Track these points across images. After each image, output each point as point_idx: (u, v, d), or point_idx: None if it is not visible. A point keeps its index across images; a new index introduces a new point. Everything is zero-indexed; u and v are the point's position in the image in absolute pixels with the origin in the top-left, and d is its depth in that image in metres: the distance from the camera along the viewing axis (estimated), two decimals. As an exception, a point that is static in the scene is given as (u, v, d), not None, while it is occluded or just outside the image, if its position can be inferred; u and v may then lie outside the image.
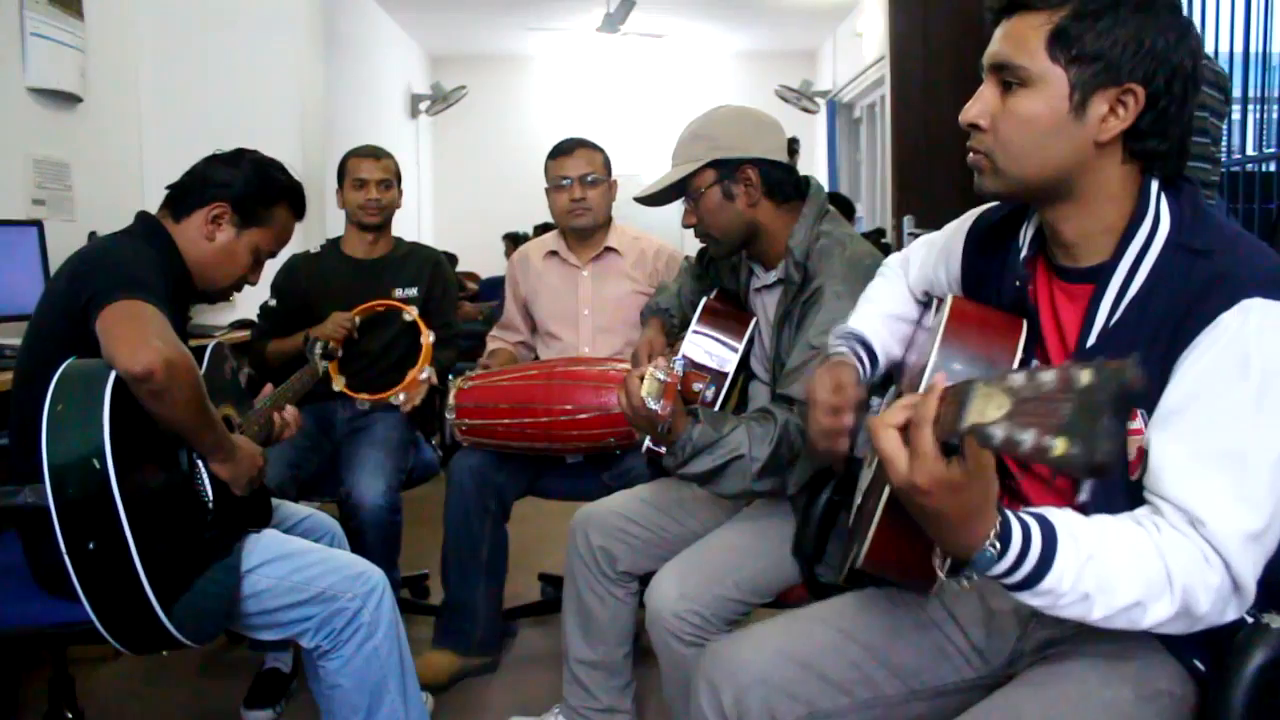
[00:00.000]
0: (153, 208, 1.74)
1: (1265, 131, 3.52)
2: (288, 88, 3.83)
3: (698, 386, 1.73)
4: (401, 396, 2.44)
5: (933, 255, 1.38)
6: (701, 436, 1.55)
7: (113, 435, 1.32)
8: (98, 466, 1.31)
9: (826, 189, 1.97)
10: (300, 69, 3.89)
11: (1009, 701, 1.08)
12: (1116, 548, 0.93)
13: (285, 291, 2.67)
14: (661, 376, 1.49)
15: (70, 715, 1.93)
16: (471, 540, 2.34)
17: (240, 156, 1.76)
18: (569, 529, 1.96)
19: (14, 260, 2.55)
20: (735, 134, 1.70)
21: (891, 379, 1.42)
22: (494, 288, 5.42)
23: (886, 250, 1.72)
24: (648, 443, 1.65)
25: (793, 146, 1.75)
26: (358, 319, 2.51)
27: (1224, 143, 3.03)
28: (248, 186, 1.72)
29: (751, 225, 1.72)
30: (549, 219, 2.64)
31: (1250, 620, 0.98)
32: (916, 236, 3.26)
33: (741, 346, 1.82)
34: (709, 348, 1.82)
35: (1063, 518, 0.93)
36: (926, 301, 1.41)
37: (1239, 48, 3.27)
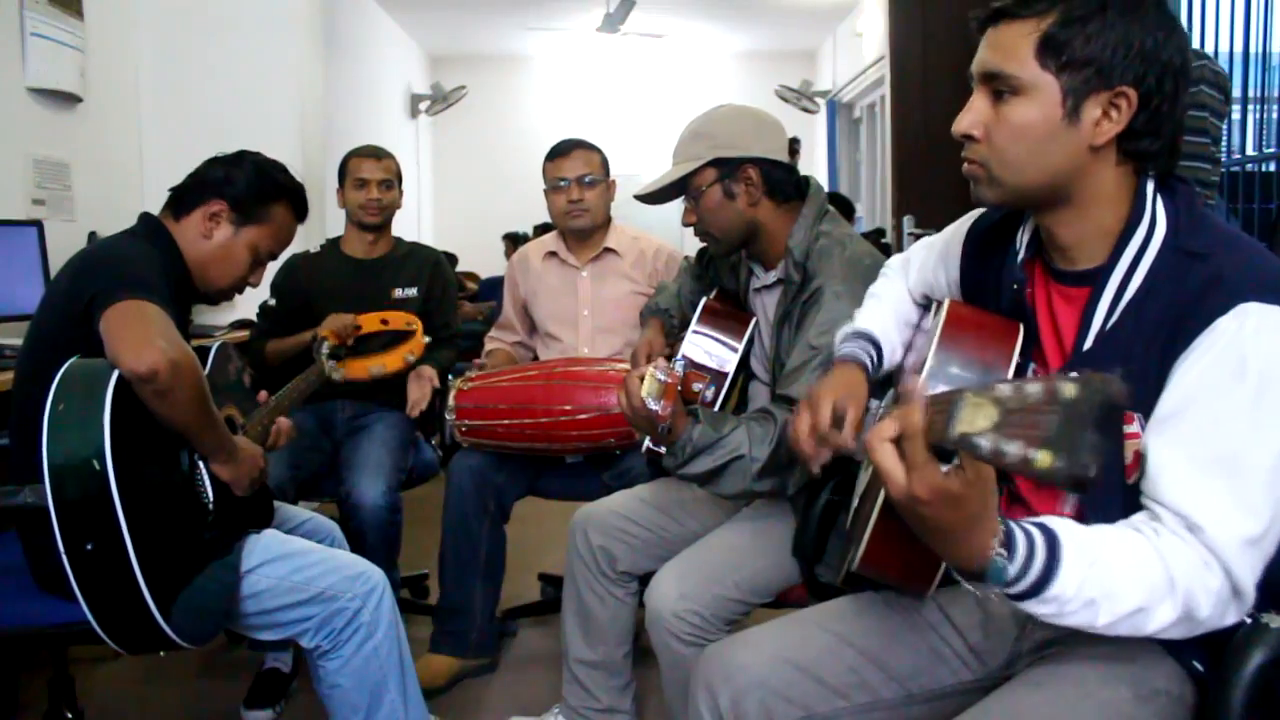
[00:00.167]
0: (153, 208, 1.75)
1: (1265, 131, 3.51)
2: (288, 88, 3.82)
3: (698, 387, 1.73)
4: (378, 369, 2.42)
5: (931, 258, 1.38)
6: (701, 437, 1.55)
7: (114, 435, 1.32)
8: (97, 468, 1.31)
9: (826, 189, 1.98)
10: (300, 69, 3.89)
11: (1007, 703, 1.08)
12: (1118, 554, 0.93)
13: (285, 291, 2.67)
14: (661, 377, 1.49)
15: (70, 715, 1.93)
16: (470, 541, 2.34)
17: (241, 157, 1.76)
18: (569, 529, 1.96)
19: (14, 260, 2.54)
20: (737, 133, 1.70)
21: (891, 381, 1.42)
22: (493, 288, 5.41)
23: (886, 250, 1.72)
24: (648, 443, 1.65)
25: (794, 146, 1.75)
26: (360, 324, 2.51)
27: (1224, 143, 3.03)
28: (246, 184, 1.72)
29: (751, 225, 1.72)
30: (549, 219, 2.65)
31: (1249, 620, 0.98)
32: (916, 236, 3.25)
33: (741, 347, 1.82)
34: (709, 348, 1.82)
35: (1064, 525, 0.93)
36: (926, 304, 1.41)
37: (1239, 48, 3.27)
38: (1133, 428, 0.99)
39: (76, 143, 3.10)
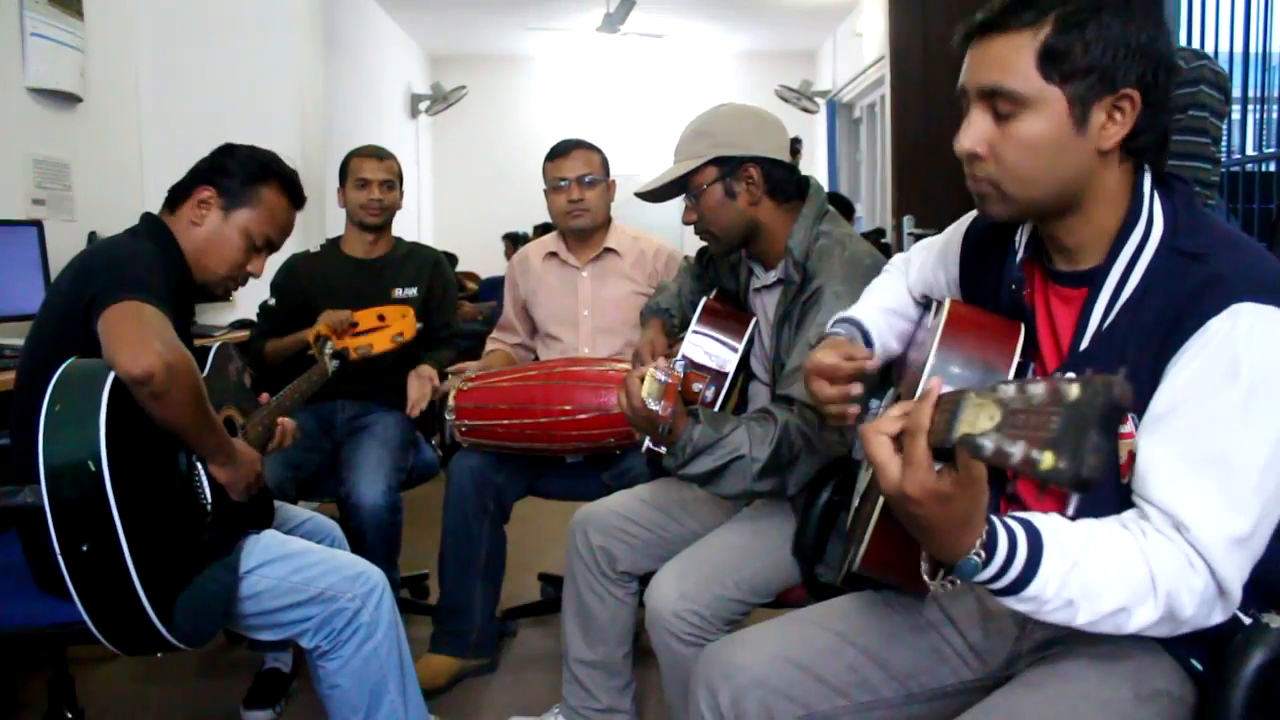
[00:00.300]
0: (153, 208, 1.75)
1: (1265, 131, 3.51)
2: (288, 88, 3.83)
3: (698, 387, 1.73)
4: (364, 349, 2.40)
5: (931, 258, 1.38)
6: (702, 437, 1.55)
7: (111, 436, 1.32)
8: (93, 469, 1.31)
9: (826, 189, 1.98)
10: (300, 69, 3.89)
11: (1007, 702, 1.08)
12: (1102, 554, 0.93)
13: (285, 291, 2.67)
14: (662, 377, 1.49)
15: (70, 715, 1.93)
16: (470, 542, 2.34)
17: (232, 147, 1.76)
18: (569, 529, 1.96)
19: (14, 260, 2.54)
20: (738, 132, 1.70)
21: (890, 380, 1.42)
22: (494, 288, 5.41)
23: (886, 250, 1.72)
24: (648, 443, 1.65)
25: (795, 146, 1.75)
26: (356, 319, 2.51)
27: (1224, 143, 3.03)
28: (232, 168, 1.71)
29: (752, 224, 1.72)
30: (549, 219, 2.65)
31: (1249, 620, 0.98)
32: (916, 237, 3.25)
33: (741, 347, 1.82)
34: (709, 348, 1.82)
35: (1049, 524, 0.93)
36: (926, 304, 1.41)
37: (1239, 48, 3.27)
38: (1127, 428, 1.00)
39: (76, 143, 3.10)
